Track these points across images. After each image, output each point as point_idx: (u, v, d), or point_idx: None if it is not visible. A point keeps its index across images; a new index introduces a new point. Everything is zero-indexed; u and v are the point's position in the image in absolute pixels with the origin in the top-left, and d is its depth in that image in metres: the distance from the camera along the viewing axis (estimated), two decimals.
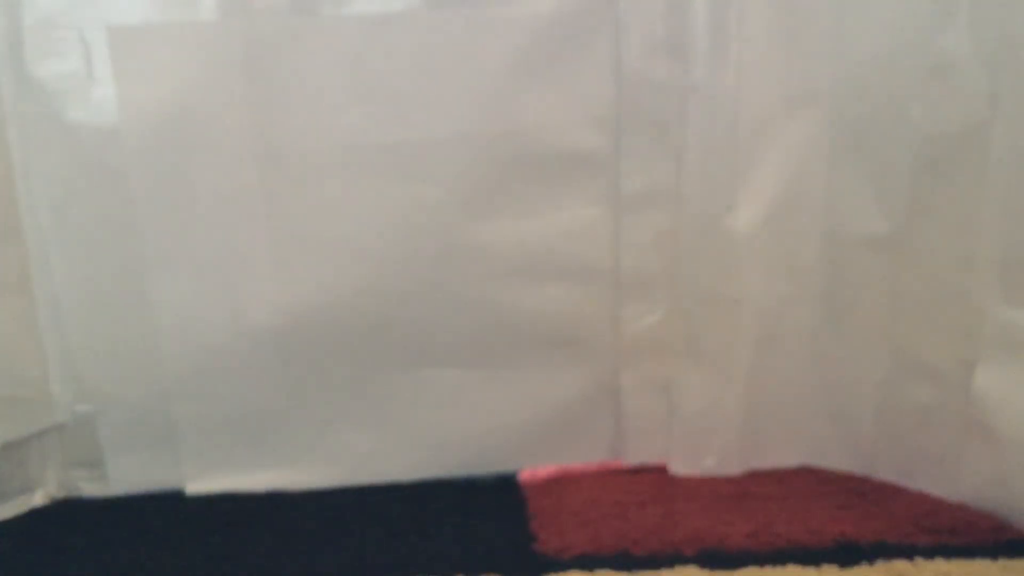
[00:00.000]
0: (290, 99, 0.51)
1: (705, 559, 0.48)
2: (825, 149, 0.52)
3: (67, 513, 0.57)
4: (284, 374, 0.56)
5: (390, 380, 0.55)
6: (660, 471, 0.58)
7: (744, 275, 0.54)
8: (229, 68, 0.51)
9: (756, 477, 0.57)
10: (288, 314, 0.54)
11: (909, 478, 0.54)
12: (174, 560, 0.50)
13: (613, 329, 0.57)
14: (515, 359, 0.56)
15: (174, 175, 0.52)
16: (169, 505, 0.57)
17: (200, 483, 0.58)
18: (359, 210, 0.53)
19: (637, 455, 0.59)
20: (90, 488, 0.58)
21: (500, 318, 0.55)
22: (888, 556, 0.47)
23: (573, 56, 0.52)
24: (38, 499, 0.58)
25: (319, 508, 0.55)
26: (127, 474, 0.58)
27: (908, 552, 0.47)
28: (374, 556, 0.49)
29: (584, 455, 0.59)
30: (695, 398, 0.56)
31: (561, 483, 0.57)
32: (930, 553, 0.47)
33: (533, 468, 0.58)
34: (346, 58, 0.51)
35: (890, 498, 0.53)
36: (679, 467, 0.57)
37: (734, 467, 0.57)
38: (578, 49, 0.52)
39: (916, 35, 0.49)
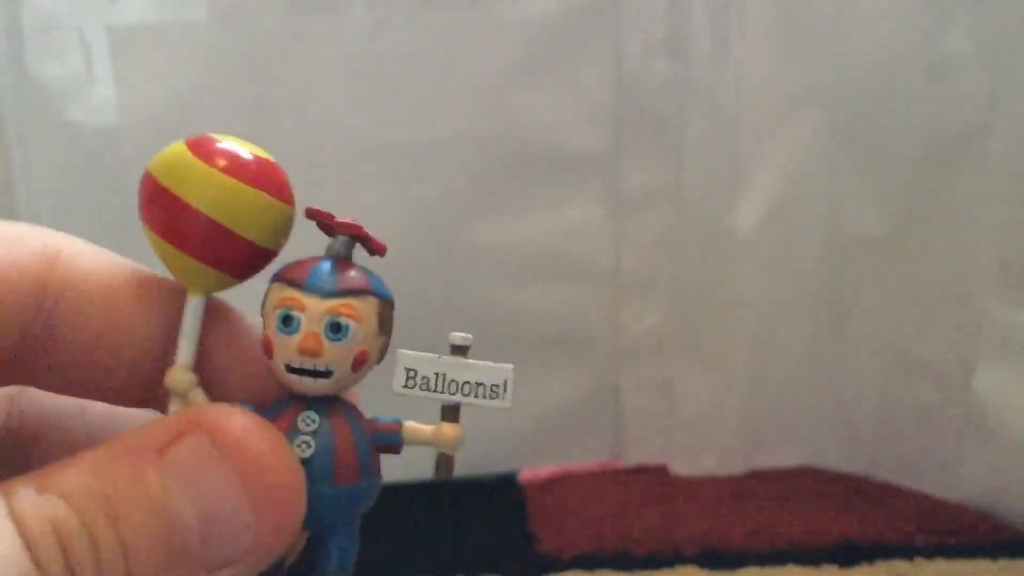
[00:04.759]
0: (290, 99, 0.51)
1: (705, 559, 0.48)
2: (825, 149, 0.52)
3: None
4: None
5: None
6: (660, 471, 0.58)
7: (744, 275, 0.54)
8: (229, 68, 0.51)
9: (756, 477, 0.57)
10: None
11: (909, 478, 0.54)
12: None
13: (613, 329, 0.57)
14: (515, 359, 0.56)
15: None
16: None
17: None
18: (359, 210, 0.53)
19: (637, 455, 0.58)
20: None
21: (499, 318, 0.55)
22: (888, 556, 0.47)
23: (573, 56, 0.52)
24: None
25: None
26: None
27: (908, 552, 0.47)
28: (372, 556, 0.49)
29: (584, 455, 0.59)
30: (695, 398, 0.56)
31: (561, 483, 0.57)
32: (930, 553, 0.47)
33: (533, 468, 0.58)
34: (346, 58, 0.51)
35: (890, 498, 0.53)
36: (679, 467, 0.57)
37: (734, 467, 0.57)
38: (578, 49, 0.52)
39: (916, 35, 0.49)
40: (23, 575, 0.14)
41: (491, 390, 0.20)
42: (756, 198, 0.53)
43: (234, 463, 0.16)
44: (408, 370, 0.20)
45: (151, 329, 0.19)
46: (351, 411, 0.20)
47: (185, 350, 0.19)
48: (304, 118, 0.52)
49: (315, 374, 0.18)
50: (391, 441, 0.20)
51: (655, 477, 0.57)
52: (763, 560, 0.47)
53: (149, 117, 0.51)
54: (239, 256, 0.19)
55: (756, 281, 0.54)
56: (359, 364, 0.19)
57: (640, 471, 0.58)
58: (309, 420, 0.19)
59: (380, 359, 0.20)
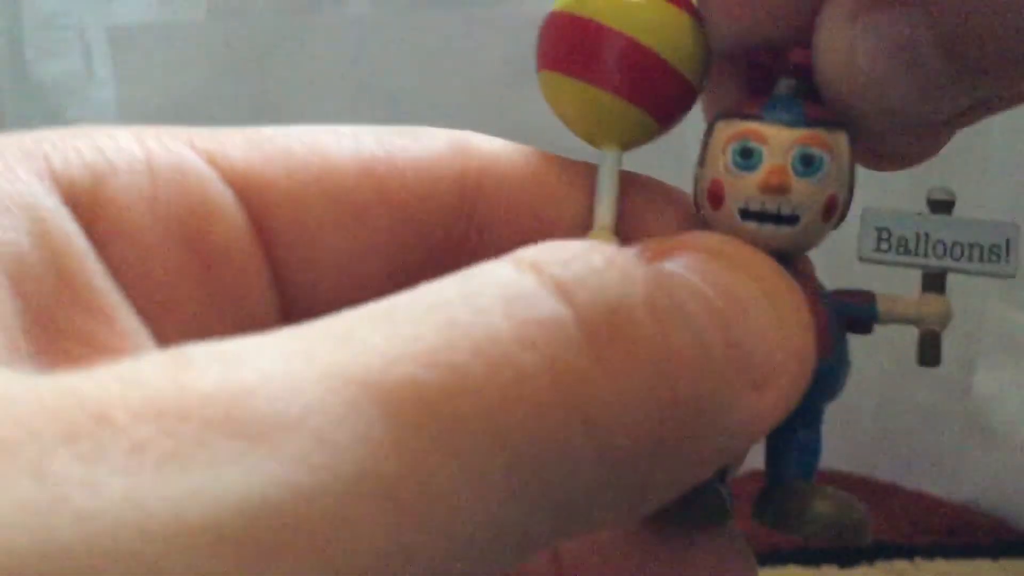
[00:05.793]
0: (290, 99, 0.51)
1: None
2: None
3: None
4: None
5: None
6: None
7: None
8: (229, 68, 0.51)
9: (756, 477, 0.56)
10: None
11: (909, 478, 0.54)
12: None
13: None
14: None
15: None
16: None
17: None
18: None
19: None
20: None
21: None
22: (888, 556, 0.47)
23: None
24: None
25: None
26: None
27: (908, 552, 0.47)
28: None
29: None
30: None
31: None
32: (930, 553, 0.47)
33: None
34: (346, 58, 0.51)
35: (890, 498, 0.53)
36: None
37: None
38: None
39: None
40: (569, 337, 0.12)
41: (989, 252, 0.16)
42: None
43: (743, 270, 0.14)
44: (880, 230, 0.16)
45: (577, 211, 0.17)
46: (813, 277, 0.16)
47: (604, 212, 0.16)
48: (304, 118, 0.51)
49: (778, 219, 0.15)
50: (864, 314, 0.16)
51: None
52: (763, 560, 0.47)
53: (149, 117, 0.51)
54: (664, 89, 0.16)
55: None
56: (830, 211, 0.15)
57: None
58: None
59: (844, 214, 0.16)
